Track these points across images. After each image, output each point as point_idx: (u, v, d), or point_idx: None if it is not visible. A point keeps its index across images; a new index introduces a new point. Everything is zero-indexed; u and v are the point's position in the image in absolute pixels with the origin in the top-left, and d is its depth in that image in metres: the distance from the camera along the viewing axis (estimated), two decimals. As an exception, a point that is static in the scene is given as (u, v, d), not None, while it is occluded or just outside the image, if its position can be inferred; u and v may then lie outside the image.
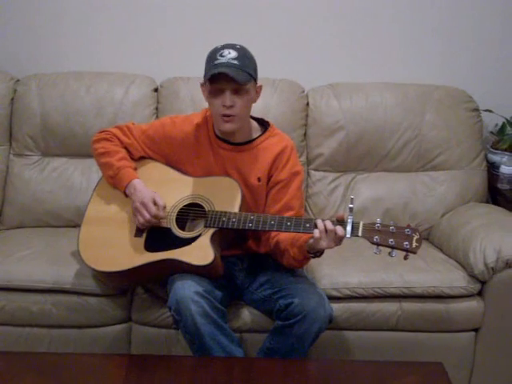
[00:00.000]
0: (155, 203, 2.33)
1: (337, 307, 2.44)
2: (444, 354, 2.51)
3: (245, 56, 2.27)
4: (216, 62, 2.24)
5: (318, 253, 2.20)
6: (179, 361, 2.21)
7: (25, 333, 2.53)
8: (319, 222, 2.11)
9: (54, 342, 2.53)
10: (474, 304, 2.54)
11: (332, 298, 2.42)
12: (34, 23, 3.18)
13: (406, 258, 2.06)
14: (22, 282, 2.49)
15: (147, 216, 2.32)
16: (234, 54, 2.24)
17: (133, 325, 2.54)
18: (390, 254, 2.06)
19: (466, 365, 2.60)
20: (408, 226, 2.08)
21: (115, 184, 2.46)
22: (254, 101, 2.38)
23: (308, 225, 2.17)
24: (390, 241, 2.05)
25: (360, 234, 2.09)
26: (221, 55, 2.24)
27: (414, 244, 2.05)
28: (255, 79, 2.32)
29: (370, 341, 2.53)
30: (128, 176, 2.42)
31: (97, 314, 2.50)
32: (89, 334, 2.52)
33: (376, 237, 2.07)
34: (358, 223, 2.10)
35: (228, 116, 2.28)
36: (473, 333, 2.58)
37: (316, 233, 2.11)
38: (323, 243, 2.11)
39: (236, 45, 2.29)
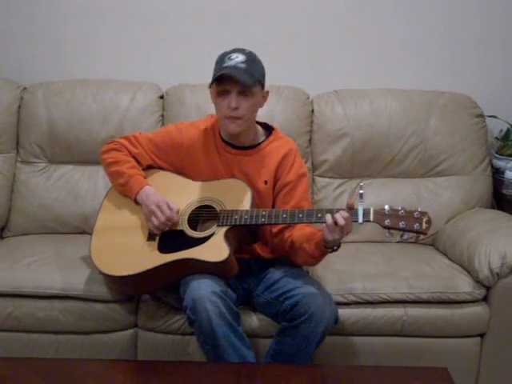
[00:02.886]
0: (169, 207, 2.35)
1: (342, 312, 2.45)
2: (449, 359, 2.51)
3: (253, 61, 2.31)
4: (224, 64, 2.28)
5: (336, 246, 2.22)
6: (186, 366, 2.21)
7: (32, 339, 2.53)
8: (328, 216, 2.14)
9: (61, 348, 2.54)
10: (479, 309, 2.54)
11: (337, 304, 2.41)
12: (41, 32, 3.20)
13: (417, 240, 2.10)
14: (29, 288, 2.50)
15: (162, 218, 2.33)
16: (242, 57, 2.28)
17: (139, 331, 2.54)
18: (401, 236, 2.10)
19: (472, 370, 2.59)
20: (416, 210, 2.11)
21: (126, 192, 2.48)
22: (261, 105, 2.41)
23: (320, 215, 2.20)
24: (401, 223, 2.09)
25: (371, 218, 2.12)
26: (229, 58, 2.29)
27: (424, 225, 2.09)
28: (262, 84, 2.35)
29: (376, 346, 2.53)
30: (139, 183, 2.44)
31: (103, 320, 2.51)
32: (95, 340, 2.53)
33: (387, 220, 2.10)
34: (369, 208, 2.13)
35: (233, 118, 2.31)
36: (478, 338, 2.58)
37: (328, 220, 2.13)
38: (336, 236, 2.14)
39: (245, 50, 2.33)
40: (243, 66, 2.27)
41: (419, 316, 2.52)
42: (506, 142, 3.17)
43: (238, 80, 2.25)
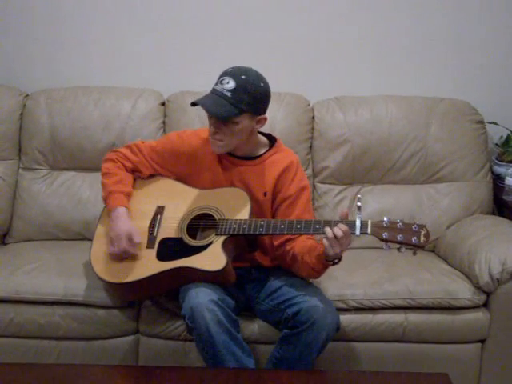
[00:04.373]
0: (130, 239, 2.34)
1: (343, 318, 2.45)
2: (450, 365, 2.52)
3: (243, 89, 2.24)
4: (214, 86, 2.29)
5: (337, 259, 2.22)
6: (187, 372, 2.22)
7: (33, 345, 2.54)
8: (328, 230, 2.14)
9: (63, 354, 2.54)
10: (479, 315, 2.54)
11: (338, 310, 2.42)
12: (43, 39, 3.22)
13: (414, 253, 2.11)
14: (31, 294, 2.51)
15: (116, 250, 2.34)
16: (231, 84, 2.24)
17: (141, 337, 2.55)
18: (399, 249, 2.11)
19: (472, 376, 2.60)
20: (415, 223, 2.12)
21: (106, 206, 2.50)
22: (252, 131, 2.37)
23: (318, 226, 2.20)
24: (399, 236, 2.10)
25: (369, 231, 2.13)
26: (221, 82, 2.27)
27: (422, 239, 2.10)
28: (252, 112, 2.29)
29: (376, 352, 2.54)
30: (115, 202, 2.43)
31: (105, 326, 2.51)
32: (97, 346, 2.54)
33: (385, 233, 2.11)
34: (367, 221, 2.14)
35: (215, 139, 2.34)
36: (479, 344, 2.58)
37: (328, 233, 2.13)
38: (337, 249, 2.14)
39: (242, 74, 2.26)
40: (229, 94, 2.24)
41: (420, 322, 2.53)
42: (507, 148, 3.17)
43: (210, 113, 2.28)
